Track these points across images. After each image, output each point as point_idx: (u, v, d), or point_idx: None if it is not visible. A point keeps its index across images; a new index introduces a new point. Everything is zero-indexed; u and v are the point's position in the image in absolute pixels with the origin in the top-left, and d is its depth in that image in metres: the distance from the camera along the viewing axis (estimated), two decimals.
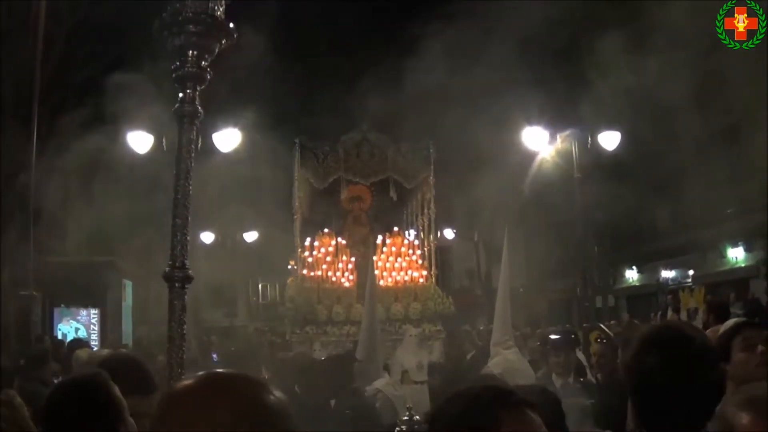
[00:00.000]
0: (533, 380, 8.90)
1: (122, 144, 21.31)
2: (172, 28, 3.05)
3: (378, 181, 19.03)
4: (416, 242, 19.82)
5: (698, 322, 14.65)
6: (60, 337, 24.18)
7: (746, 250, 32.37)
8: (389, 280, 18.75)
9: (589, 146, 23.24)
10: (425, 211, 19.41)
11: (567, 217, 26.45)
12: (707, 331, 7.02)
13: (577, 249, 27.58)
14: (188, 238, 3.13)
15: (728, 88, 19.77)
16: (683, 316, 19.78)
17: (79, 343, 17.48)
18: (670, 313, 23.61)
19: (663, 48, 19.00)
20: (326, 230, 19.48)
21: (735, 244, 32.89)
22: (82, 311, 28.74)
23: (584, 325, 20.19)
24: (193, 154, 3.12)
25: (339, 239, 19.30)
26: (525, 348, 14.86)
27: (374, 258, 18.65)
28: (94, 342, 25.40)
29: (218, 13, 3.04)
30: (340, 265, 18.96)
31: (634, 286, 41.36)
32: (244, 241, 37.28)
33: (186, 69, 3.09)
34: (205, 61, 3.12)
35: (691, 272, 35.58)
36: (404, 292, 18.45)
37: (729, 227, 30.80)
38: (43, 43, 17.24)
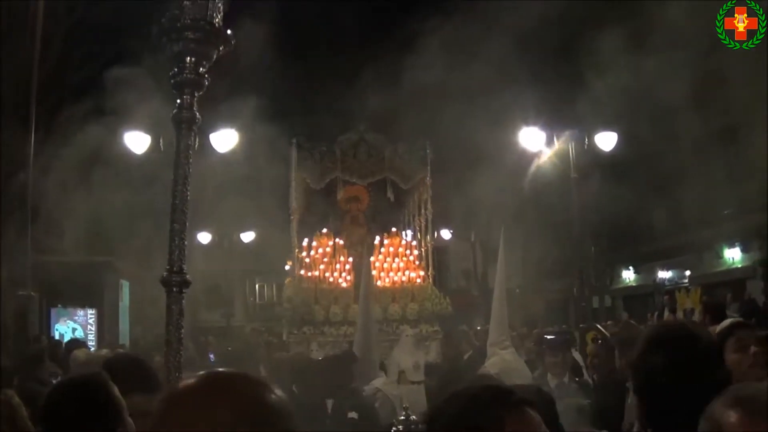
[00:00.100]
0: (530, 380, 8.93)
1: (119, 144, 21.32)
2: (170, 34, 3.07)
3: (375, 182, 19.05)
4: (413, 243, 19.82)
5: None
6: (57, 337, 24.18)
7: (743, 250, 32.42)
8: (387, 280, 18.76)
9: (586, 147, 23.28)
10: (422, 211, 19.42)
11: (564, 217, 26.46)
12: None
13: (574, 249, 27.58)
14: (186, 242, 3.15)
15: (726, 89, 19.79)
16: (679, 316, 19.81)
17: (77, 343, 17.48)
18: (666, 313, 23.66)
19: (660, 48, 19.01)
20: (324, 230, 19.47)
21: (732, 245, 32.94)
22: (79, 311, 28.74)
23: (581, 325, 20.20)
24: (191, 160, 3.15)
25: (337, 239, 19.30)
26: (522, 348, 14.90)
27: (371, 258, 18.71)
28: (91, 342, 25.36)
29: (216, 20, 3.07)
30: (338, 265, 18.97)
31: (631, 287, 41.44)
32: (241, 241, 37.24)
33: (184, 75, 3.12)
34: (203, 67, 3.14)
35: (687, 273, 35.66)
36: (401, 293, 18.46)
37: (726, 228, 30.85)
38: (41, 42, 17.25)
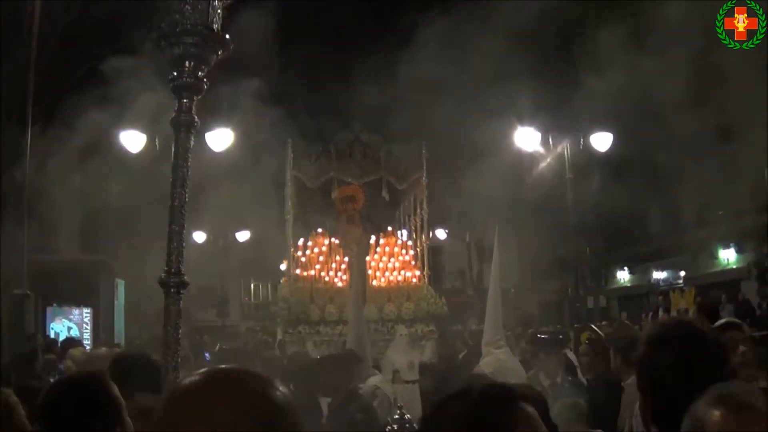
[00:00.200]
0: (524, 380, 8.96)
1: (115, 143, 21.34)
2: (170, 38, 3.11)
3: (370, 181, 19.06)
4: (409, 242, 19.82)
5: None
6: (52, 335, 24.17)
7: (738, 251, 32.50)
8: (382, 280, 18.77)
9: (581, 147, 23.30)
10: (418, 211, 19.43)
11: (559, 217, 26.49)
12: None
13: (569, 249, 27.63)
14: (184, 244, 3.19)
15: (721, 90, 19.81)
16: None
17: (73, 342, 17.53)
18: (661, 313, 23.74)
19: (655, 48, 19.04)
20: (319, 230, 19.47)
21: (727, 246, 33.03)
22: (74, 310, 28.70)
23: (575, 325, 20.29)
24: (189, 162, 3.19)
25: (332, 239, 19.30)
26: (516, 348, 14.94)
27: (366, 258, 18.76)
28: (87, 341, 25.37)
29: (216, 25, 3.12)
30: (333, 265, 18.98)
31: (626, 287, 41.51)
32: (237, 240, 37.22)
33: (183, 79, 3.16)
34: (202, 71, 3.19)
35: (682, 273, 35.72)
36: (397, 292, 18.46)
37: (721, 229, 30.91)
38: (38, 42, 17.27)
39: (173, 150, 3.26)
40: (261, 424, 1.72)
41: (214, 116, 20.25)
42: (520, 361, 11.30)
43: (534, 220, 30.52)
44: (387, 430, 6.12)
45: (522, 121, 23.33)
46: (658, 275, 38.12)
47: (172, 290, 3.10)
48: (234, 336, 31.72)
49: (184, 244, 3.17)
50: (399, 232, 20.32)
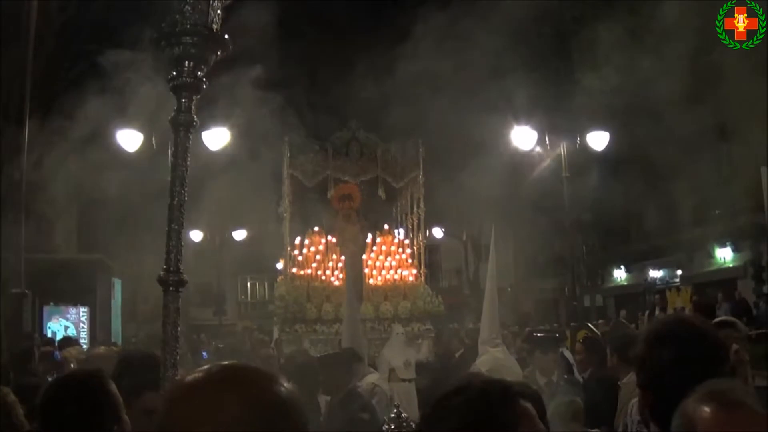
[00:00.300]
0: (520, 378, 8.97)
1: (112, 142, 21.32)
2: (170, 38, 3.13)
3: (367, 180, 19.08)
4: (406, 241, 19.82)
5: None
6: (49, 335, 24.15)
7: (734, 250, 32.54)
8: (379, 278, 18.78)
9: (577, 146, 23.33)
10: (414, 209, 19.45)
11: (556, 216, 26.51)
12: None
13: (566, 248, 27.66)
14: (182, 243, 3.21)
15: (718, 89, 19.83)
16: None
17: (69, 341, 17.52)
18: (657, 312, 23.77)
19: (652, 47, 19.06)
20: (316, 228, 19.47)
21: (723, 245, 33.05)
22: (71, 309, 28.68)
23: (572, 324, 20.32)
24: (188, 162, 3.21)
25: (329, 237, 19.30)
26: (513, 346, 14.96)
27: (363, 256, 18.77)
28: (84, 340, 25.35)
29: (215, 25, 3.14)
30: (330, 263, 18.98)
31: (622, 286, 41.54)
32: (233, 239, 37.23)
33: (182, 79, 3.18)
34: (201, 71, 3.21)
35: (679, 272, 35.75)
36: (393, 291, 18.48)
37: (717, 228, 30.92)
38: (35, 39, 17.27)
39: (173, 149, 3.28)
40: (265, 420, 1.72)
41: (210, 114, 20.25)
42: (517, 360, 11.32)
43: (531, 219, 30.56)
44: (384, 429, 6.12)
45: (519, 120, 23.34)
46: (655, 274, 38.17)
47: (171, 288, 3.12)
48: (231, 335, 31.73)
49: (182, 243, 3.19)
50: (396, 231, 20.31)
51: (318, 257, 18.88)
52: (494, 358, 10.21)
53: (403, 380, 13.11)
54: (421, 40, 19.51)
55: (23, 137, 16.80)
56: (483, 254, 37.54)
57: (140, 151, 21.38)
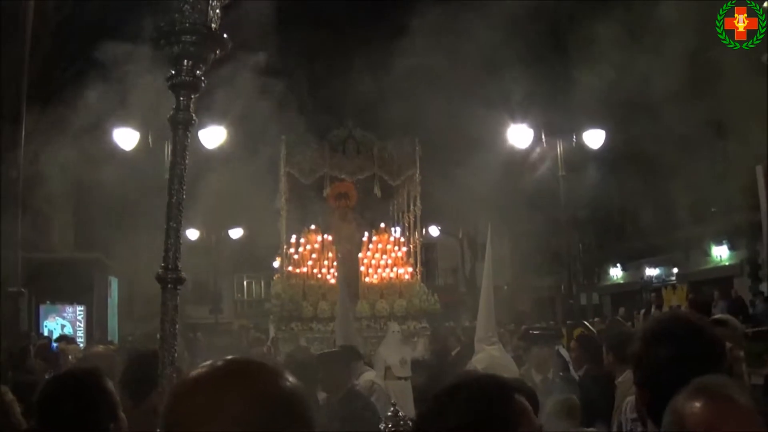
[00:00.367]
0: (516, 375, 8.99)
1: (109, 141, 21.31)
2: (169, 37, 3.15)
3: (364, 178, 19.08)
4: (402, 239, 19.83)
5: None
6: (46, 333, 24.18)
7: (730, 248, 32.57)
8: (375, 276, 18.79)
9: (574, 144, 23.33)
10: (411, 207, 19.45)
11: (552, 214, 26.52)
12: None
13: (562, 246, 27.67)
14: (181, 240, 3.22)
15: (715, 87, 19.84)
16: None
17: (66, 340, 17.55)
18: (653, 310, 23.77)
19: (649, 45, 19.08)
20: (312, 227, 19.48)
21: (719, 243, 33.08)
22: (68, 308, 28.73)
23: (568, 322, 20.34)
24: (187, 160, 3.22)
25: (325, 236, 19.31)
26: (509, 344, 14.98)
27: (359, 254, 18.79)
28: (80, 339, 25.38)
29: (214, 24, 3.16)
30: (326, 261, 18.99)
31: (618, 284, 41.56)
32: (229, 237, 37.21)
33: (181, 77, 3.19)
34: (200, 70, 3.22)
35: (675, 270, 35.78)
36: (389, 289, 18.49)
37: (714, 226, 30.96)
38: (32, 39, 17.27)
39: (171, 148, 3.29)
40: (271, 415, 1.72)
41: (206, 111, 20.25)
42: (513, 358, 11.35)
43: (527, 217, 30.58)
44: (381, 427, 6.12)
45: (515, 117, 23.33)
46: (651, 272, 38.20)
47: (169, 286, 3.13)
48: (227, 333, 31.74)
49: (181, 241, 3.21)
50: (392, 229, 20.32)
51: (314, 255, 18.89)
52: (490, 356, 10.22)
53: (399, 378, 13.11)
54: (417, 39, 19.52)
55: (20, 135, 16.79)
56: (479, 252, 37.60)
57: (137, 150, 21.36)
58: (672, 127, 20.50)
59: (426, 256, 21.87)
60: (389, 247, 19.30)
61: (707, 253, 34.03)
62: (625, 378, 6.55)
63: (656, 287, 34.12)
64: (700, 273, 33.65)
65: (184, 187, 3.20)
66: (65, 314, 28.51)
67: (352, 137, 19.19)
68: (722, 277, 31.63)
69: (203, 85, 3.25)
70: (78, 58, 22.79)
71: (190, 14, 3.05)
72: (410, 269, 19.08)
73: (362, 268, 18.67)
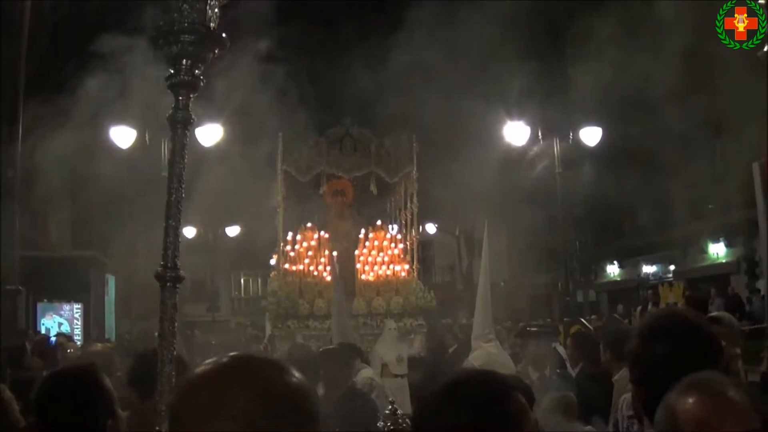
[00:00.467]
0: (513, 373, 9.00)
1: (106, 139, 21.31)
2: (168, 37, 3.16)
3: (360, 175, 19.06)
4: (399, 236, 19.81)
5: None
6: (43, 331, 24.16)
7: (727, 246, 32.61)
8: (371, 274, 18.78)
9: (571, 142, 23.33)
10: (408, 205, 19.43)
11: (549, 212, 26.52)
12: None
13: (559, 244, 27.67)
14: (179, 239, 3.23)
15: (712, 85, 19.84)
16: None
17: (64, 338, 17.53)
18: (650, 307, 23.77)
19: (646, 43, 19.09)
20: (309, 224, 19.47)
21: (716, 240, 33.12)
22: (65, 306, 28.70)
23: (565, 319, 20.35)
24: (185, 159, 3.23)
25: (322, 233, 19.29)
26: (506, 341, 15.00)
27: (355, 251, 18.78)
28: (77, 337, 25.35)
29: (213, 24, 3.17)
30: (323, 259, 18.97)
31: (615, 281, 41.59)
32: (226, 235, 37.21)
33: (180, 77, 3.20)
34: (199, 69, 3.23)
35: (672, 267, 35.81)
36: (386, 286, 18.47)
37: (710, 223, 30.99)
38: (28, 39, 17.25)
39: (170, 147, 3.31)
40: (276, 411, 1.72)
41: (203, 109, 20.24)
42: (510, 355, 11.37)
43: (524, 215, 30.59)
44: (380, 425, 6.12)
45: (512, 115, 23.34)
46: (648, 269, 38.26)
47: (168, 284, 3.14)
48: (224, 331, 31.77)
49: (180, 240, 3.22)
50: (389, 226, 20.30)
51: (310, 253, 18.88)
52: (487, 354, 10.25)
53: (396, 376, 13.09)
54: (415, 36, 19.53)
55: (17, 134, 16.78)
56: (476, 250, 37.55)
57: (133, 147, 21.37)
58: (669, 124, 20.52)
59: (423, 253, 21.88)
60: (386, 244, 19.27)
61: (704, 251, 34.08)
62: (621, 375, 6.55)
63: (653, 284, 34.15)
64: (696, 270, 33.69)
65: (183, 186, 3.21)
66: (62, 312, 28.49)
67: (350, 134, 19.16)
68: (719, 274, 31.68)
69: (202, 84, 3.26)
70: (75, 56, 22.78)
71: (188, 14, 3.06)
72: (407, 266, 19.04)
73: (359, 266, 18.66)
